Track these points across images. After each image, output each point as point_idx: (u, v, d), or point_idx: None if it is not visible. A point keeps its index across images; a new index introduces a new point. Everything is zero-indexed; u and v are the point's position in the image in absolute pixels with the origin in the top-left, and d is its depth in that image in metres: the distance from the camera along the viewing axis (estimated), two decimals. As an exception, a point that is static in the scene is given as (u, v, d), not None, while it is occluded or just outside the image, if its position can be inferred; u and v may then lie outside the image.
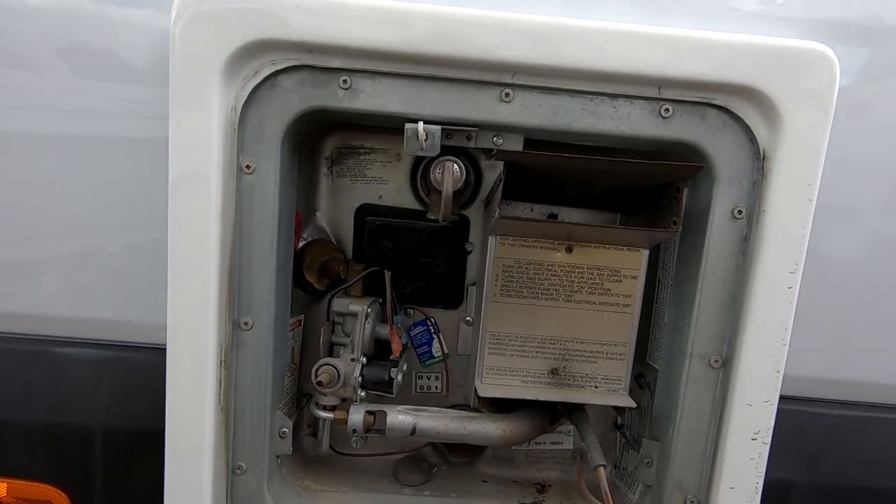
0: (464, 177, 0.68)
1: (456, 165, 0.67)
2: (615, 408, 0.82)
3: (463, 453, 0.87)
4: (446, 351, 0.85)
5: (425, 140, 0.62)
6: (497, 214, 0.62)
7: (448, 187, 0.66)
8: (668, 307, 0.74)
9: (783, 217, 0.62)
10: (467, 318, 0.84)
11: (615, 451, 0.86)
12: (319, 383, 0.71)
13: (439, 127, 0.62)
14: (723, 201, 0.64)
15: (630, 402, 0.72)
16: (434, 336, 0.85)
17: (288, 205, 0.68)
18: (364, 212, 0.81)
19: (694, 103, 0.62)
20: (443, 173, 0.66)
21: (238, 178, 0.64)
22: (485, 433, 0.72)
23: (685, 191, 0.65)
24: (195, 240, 0.63)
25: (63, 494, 0.74)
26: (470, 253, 0.82)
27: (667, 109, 0.62)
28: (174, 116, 0.61)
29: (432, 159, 0.70)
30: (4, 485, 0.74)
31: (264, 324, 0.67)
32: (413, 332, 0.85)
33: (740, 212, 0.64)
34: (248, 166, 0.64)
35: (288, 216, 0.69)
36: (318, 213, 0.81)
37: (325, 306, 0.79)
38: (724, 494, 0.67)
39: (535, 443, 0.88)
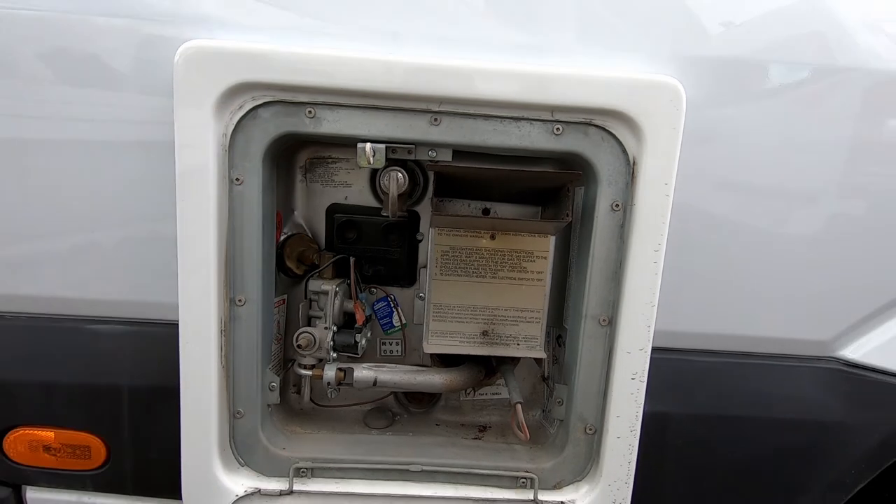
0: (406, 182, 0.87)
1: (399, 174, 0.86)
2: (538, 362, 1.02)
3: (420, 403, 1.07)
4: (404, 321, 1.04)
5: (373, 156, 0.80)
6: (433, 212, 0.82)
7: (393, 191, 0.85)
8: (572, 280, 0.94)
9: (648, 208, 0.82)
10: (420, 295, 1.03)
11: (543, 399, 1.07)
12: (299, 346, 0.90)
13: (384, 145, 0.81)
14: (604, 197, 0.84)
15: (541, 354, 0.92)
16: (394, 309, 1.04)
17: (270, 207, 0.87)
18: (333, 210, 1.00)
19: (578, 123, 0.81)
20: (389, 180, 0.85)
21: (230, 188, 0.82)
22: (431, 382, 0.92)
23: (576, 190, 0.84)
24: (199, 237, 0.82)
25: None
26: (420, 241, 1.02)
27: (558, 128, 0.81)
28: (179, 140, 0.79)
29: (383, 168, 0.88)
30: (52, 433, 0.93)
31: (254, 301, 0.86)
32: (376, 307, 1.04)
33: (617, 205, 0.84)
34: (237, 179, 0.82)
35: (270, 216, 0.88)
36: (295, 212, 1.00)
37: (304, 287, 0.99)
38: (613, 422, 0.88)
39: (479, 394, 1.09)
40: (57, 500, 0.97)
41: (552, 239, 0.91)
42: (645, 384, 0.87)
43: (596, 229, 0.85)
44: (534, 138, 0.82)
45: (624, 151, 0.82)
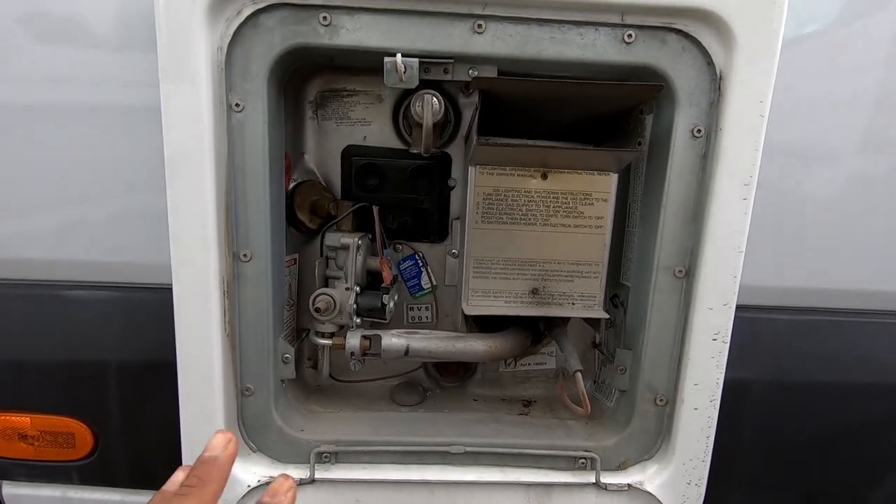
0: (443, 109, 0.72)
1: (434, 98, 0.71)
2: (592, 326, 0.88)
3: (454, 377, 0.94)
4: (434, 283, 0.90)
5: (404, 72, 0.65)
6: (475, 141, 0.67)
7: (428, 119, 0.70)
8: (637, 227, 0.79)
9: (738, 134, 0.68)
10: (453, 251, 0.89)
11: (594, 368, 0.93)
12: (317, 310, 0.76)
13: (417, 59, 0.66)
14: (683, 122, 0.69)
15: (603, 314, 0.78)
16: (422, 269, 0.90)
17: (277, 143, 0.72)
18: (350, 153, 0.85)
19: (655, 28, 0.66)
20: (422, 106, 0.70)
21: (228, 116, 0.67)
22: (472, 350, 0.78)
23: (649, 114, 0.70)
24: (191, 177, 0.67)
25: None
26: (453, 188, 0.87)
27: (629, 35, 0.66)
28: (162, 58, 0.64)
29: (411, 93, 0.73)
30: (27, 418, 0.79)
31: (262, 256, 0.71)
32: (402, 267, 0.90)
33: (699, 131, 0.69)
34: (237, 104, 0.67)
35: (278, 153, 0.73)
36: (305, 156, 0.85)
37: (318, 245, 0.84)
38: (689, 391, 0.75)
39: (521, 364, 0.95)
40: (39, 497, 0.84)
41: (614, 177, 0.77)
42: (727, 346, 0.74)
43: (672, 162, 0.70)
44: (599, 49, 0.67)
45: (710, 63, 0.67)
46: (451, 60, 0.68)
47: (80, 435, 0.80)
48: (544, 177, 0.76)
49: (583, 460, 0.79)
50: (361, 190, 0.85)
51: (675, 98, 0.69)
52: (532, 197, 0.77)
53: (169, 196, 0.67)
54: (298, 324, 0.88)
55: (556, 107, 0.71)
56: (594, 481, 0.78)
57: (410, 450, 0.78)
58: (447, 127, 0.84)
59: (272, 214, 0.71)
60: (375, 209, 0.81)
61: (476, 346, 0.78)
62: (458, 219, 0.88)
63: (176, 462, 0.73)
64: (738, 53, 0.66)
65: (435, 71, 0.69)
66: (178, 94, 0.65)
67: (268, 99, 0.68)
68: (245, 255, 0.71)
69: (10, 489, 0.83)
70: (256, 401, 0.76)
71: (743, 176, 0.69)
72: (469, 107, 0.84)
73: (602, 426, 0.83)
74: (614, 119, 0.76)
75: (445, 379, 0.94)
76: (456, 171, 0.86)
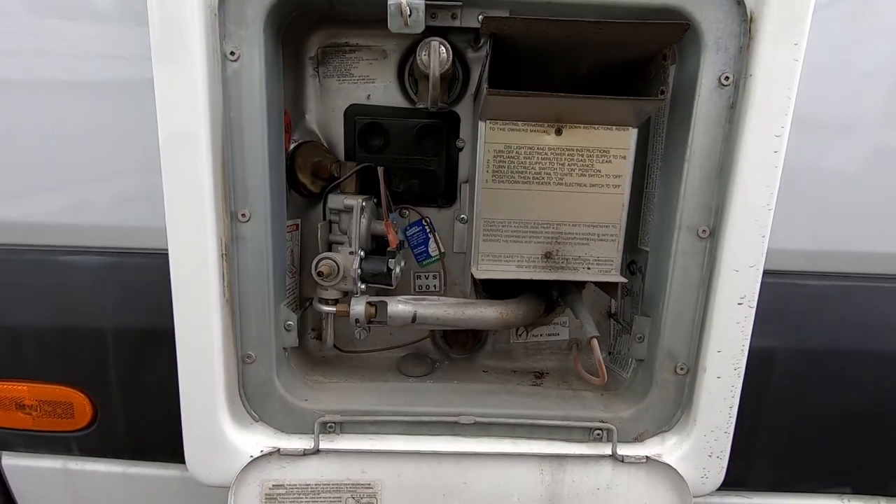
0: (450, 59, 0.68)
1: (442, 46, 0.67)
2: (608, 292, 0.84)
3: (463, 347, 0.91)
4: (442, 250, 0.87)
5: (409, 16, 0.61)
6: (485, 91, 0.62)
7: (435, 68, 0.65)
8: (658, 186, 0.75)
9: (770, 80, 0.63)
10: (461, 217, 0.85)
11: (609, 339, 0.90)
12: (320, 274, 0.73)
13: (422, 2, 0.61)
14: (710, 69, 0.64)
15: (621, 279, 0.74)
16: (430, 235, 0.86)
17: (276, 96, 0.68)
18: (353, 112, 0.81)
19: (680, -35, 0.61)
20: (429, 54, 0.66)
21: (223, 65, 0.63)
22: (483, 317, 0.75)
23: (672, 61, 0.65)
24: (184, 132, 0.63)
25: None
26: (461, 150, 0.83)
27: (652, -28, 0.61)
28: (152, 5, 0.60)
29: (419, 42, 0.69)
30: (25, 387, 0.77)
31: (262, 216, 0.68)
32: (409, 233, 0.86)
33: (727, 78, 0.64)
34: (232, 53, 0.63)
35: (277, 108, 0.69)
36: (306, 116, 0.81)
37: (321, 210, 0.80)
38: (712, 358, 0.71)
39: (533, 335, 0.92)
40: (39, 467, 0.82)
41: (633, 132, 0.72)
42: (754, 310, 0.69)
43: (697, 112, 0.66)
44: (619, -12, 0.62)
45: (739, 4, 0.62)
46: (460, 3, 0.63)
47: (79, 405, 0.78)
48: (559, 132, 0.71)
49: (598, 431, 0.75)
50: (365, 151, 0.81)
51: (702, 43, 0.64)
52: (546, 154, 0.72)
53: (162, 152, 0.64)
54: (301, 292, 0.85)
55: (571, 54, 0.66)
56: (610, 453, 0.74)
57: (418, 420, 0.75)
58: (455, 84, 0.80)
59: (271, 172, 0.68)
60: (380, 170, 0.77)
61: (487, 312, 0.75)
62: (466, 182, 0.84)
63: (178, 433, 0.71)
64: (771, -9, 0.61)
65: (442, 16, 0.64)
66: (170, 42, 0.61)
67: (265, 48, 0.64)
68: (243, 215, 0.67)
69: (10, 460, 0.82)
70: (258, 368, 0.73)
71: (774, 127, 0.64)
72: (478, 62, 0.80)
73: (618, 397, 0.79)
74: (634, 69, 0.71)
75: (454, 350, 0.91)
76: (465, 132, 0.82)
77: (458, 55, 0.79)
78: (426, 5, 0.62)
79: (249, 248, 0.68)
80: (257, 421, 0.74)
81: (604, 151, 0.72)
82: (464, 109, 0.81)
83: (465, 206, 0.84)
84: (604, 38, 0.61)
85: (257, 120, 0.65)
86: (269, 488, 0.70)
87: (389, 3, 0.61)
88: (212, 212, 0.65)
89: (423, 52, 0.67)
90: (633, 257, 0.82)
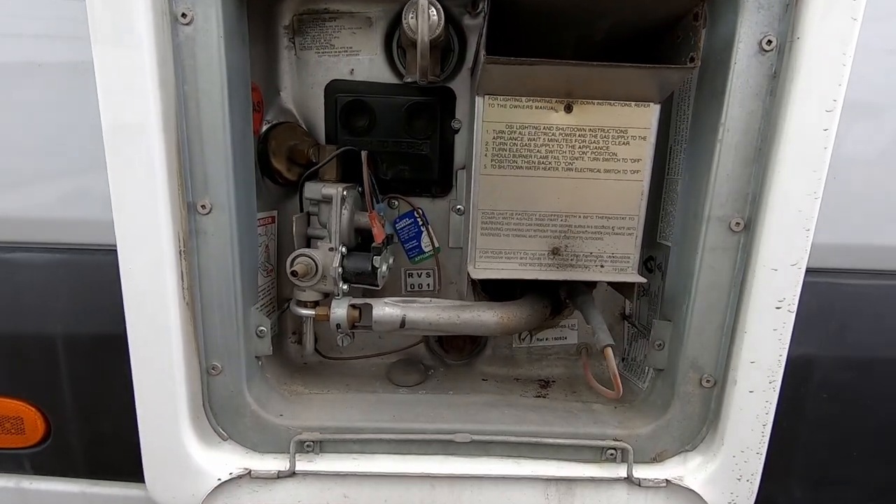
0: (442, 23, 0.58)
1: (432, 7, 0.57)
2: (623, 293, 0.75)
3: (460, 353, 0.82)
4: (437, 245, 0.78)
5: (392, -33, 0.51)
6: (482, 59, 0.53)
7: (424, 33, 0.56)
8: (683, 172, 0.65)
9: (822, 43, 0.53)
10: (458, 207, 0.76)
11: (623, 343, 0.81)
12: (294, 273, 0.64)
13: (408, -49, 0.52)
14: (749, 31, 0.54)
15: (639, 278, 0.65)
16: (423, 229, 0.77)
17: (239, 65, 0.58)
18: (334, 88, 0.71)
19: None
20: (416, 17, 0.56)
21: (174, 29, 0.54)
22: (480, 321, 0.66)
23: (704, 20, 0.55)
24: (131, 108, 0.54)
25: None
26: (457, 132, 0.73)
27: (683, -86, 0.51)
28: (88, -47, 0.51)
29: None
30: None
31: (225, 207, 0.59)
32: (399, 226, 0.77)
33: (769, 42, 0.54)
34: (183, 15, 0.53)
35: (240, 79, 0.59)
36: (281, 93, 0.72)
37: (299, 197, 0.71)
38: (744, 370, 0.62)
39: (538, 339, 0.83)
40: (-11, 486, 0.75)
41: (655, 110, 0.62)
42: (794, 315, 0.60)
43: (732, 84, 0.56)
44: (643, -67, 0.52)
45: (787, -50, 0.52)
46: (452, -46, 0.53)
47: (30, 419, 0.70)
48: (569, 109, 0.62)
49: (612, 451, 0.66)
50: (348, 132, 0.72)
51: (739, 2, 0.54)
52: (554, 135, 0.62)
53: (104, 134, 0.55)
54: (280, 292, 0.76)
55: (583, 15, 0.56)
56: (625, 476, 0.66)
57: (408, 438, 0.66)
58: (449, 56, 0.70)
59: (236, 157, 0.59)
60: (364, 154, 0.67)
61: (485, 316, 0.66)
62: (463, 168, 0.74)
63: (137, 449, 0.63)
64: (826, -65, 0.50)
65: (432, -29, 0.54)
66: (111, 5, 0.52)
67: (223, 8, 0.54)
68: (203, 207, 0.58)
69: (-42, 479, 0.74)
70: (225, 380, 0.64)
71: (825, 101, 0.54)
72: (475, 31, 0.70)
73: (634, 411, 0.71)
74: (658, 33, 0.61)
75: (450, 355, 0.82)
76: (461, 111, 0.73)
77: (452, 23, 0.69)
78: (412, -44, 0.52)
79: (211, 244, 0.59)
80: (226, 440, 0.66)
81: (621, 131, 0.62)
82: (460, 85, 0.72)
83: (462, 196, 0.75)
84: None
85: (216, 94, 0.56)
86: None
87: (368, -48, 0.51)
88: (166, 203, 0.56)
89: (411, 15, 0.57)
90: (651, 253, 0.73)
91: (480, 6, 0.68)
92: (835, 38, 0.53)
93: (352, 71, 0.71)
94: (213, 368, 0.63)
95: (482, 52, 0.53)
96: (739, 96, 0.56)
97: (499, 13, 0.54)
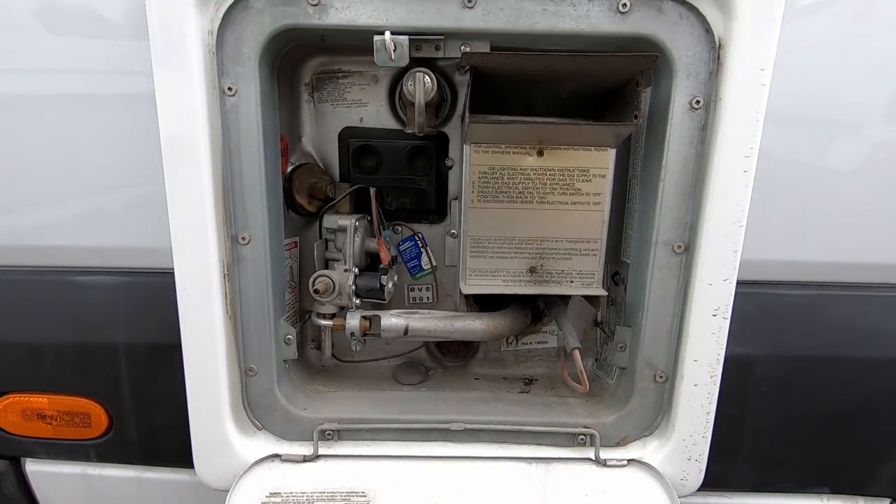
0: (435, 87, 0.71)
1: (427, 76, 0.70)
2: (592, 304, 0.88)
3: (456, 356, 0.95)
4: (434, 263, 0.91)
5: (394, 50, 0.65)
6: (467, 119, 0.66)
7: (420, 98, 0.69)
8: (637, 202, 0.78)
9: (738, 104, 0.66)
10: (452, 231, 0.89)
11: (596, 346, 0.93)
12: (316, 291, 0.77)
13: (406, 37, 0.65)
14: (682, 93, 0.68)
15: (602, 292, 0.78)
16: (422, 250, 0.90)
17: (272, 125, 0.72)
18: (347, 134, 0.85)
19: (650, -4, 0.64)
20: (414, 84, 0.70)
21: (221, 100, 0.67)
22: (471, 329, 0.79)
23: (647, 87, 0.68)
24: (188, 163, 0.67)
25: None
26: (450, 168, 0.87)
27: (624, 4, 0.64)
28: (154, 45, 0.64)
29: (406, 73, 0.73)
30: (45, 399, 0.82)
31: (260, 238, 0.72)
32: (402, 248, 0.90)
33: (698, 102, 0.68)
34: (229, 88, 0.67)
35: (273, 136, 0.73)
36: (303, 139, 0.85)
37: (318, 226, 0.85)
38: (689, 367, 0.74)
39: (523, 343, 0.96)
40: (59, 473, 0.88)
41: (612, 153, 0.75)
42: (728, 321, 0.73)
43: (670, 134, 0.69)
44: (593, 19, 0.65)
45: (708, 32, 0.65)
46: (442, 37, 0.67)
47: (96, 415, 0.83)
48: (540, 154, 0.75)
49: (582, 436, 0.79)
50: (359, 171, 0.85)
51: (673, 68, 0.67)
52: (528, 174, 0.76)
53: (167, 182, 0.68)
54: (301, 305, 0.89)
55: (551, 82, 0.70)
56: (594, 457, 0.78)
57: (412, 427, 0.79)
58: (443, 106, 0.83)
59: (269, 197, 0.72)
60: (372, 190, 0.81)
61: (475, 325, 0.79)
62: (456, 199, 0.88)
63: (187, 440, 0.76)
64: (737, 21, 0.64)
65: (426, 48, 0.68)
66: (172, 80, 0.66)
67: (260, 81, 0.68)
68: (243, 239, 0.72)
69: (33, 466, 0.87)
70: (260, 380, 0.77)
71: (743, 148, 0.67)
72: (465, 85, 0.83)
73: (603, 403, 0.83)
74: (612, 93, 0.74)
75: (447, 358, 0.95)
76: (454, 151, 0.86)
77: (445, 78, 0.83)
78: (410, 39, 0.66)
79: (249, 269, 0.73)
80: (260, 429, 0.79)
81: (584, 171, 0.76)
82: (452, 129, 0.85)
83: (455, 222, 0.88)
84: (579, 69, 0.64)
85: (254, 149, 0.69)
86: (266, 496, 0.74)
87: (375, 39, 0.65)
88: (214, 236, 0.70)
89: (409, 82, 0.70)
90: (617, 268, 0.86)
91: (463, 65, 0.82)
92: (748, 100, 0.66)
93: (361, 119, 0.85)
94: (250, 370, 0.77)
95: (467, 113, 0.67)
96: (676, 144, 0.69)
97: (480, 78, 0.68)
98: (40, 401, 0.82)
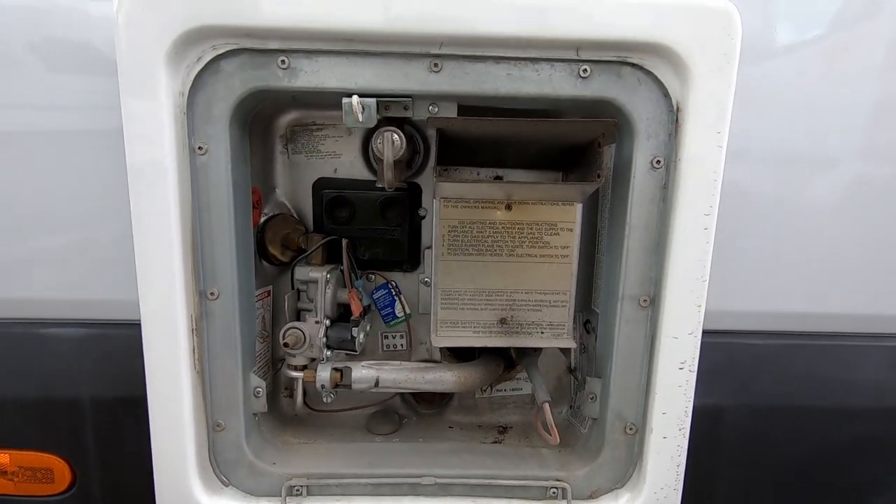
0: (404, 146, 0.73)
1: (395, 135, 0.72)
2: (565, 352, 0.89)
3: (430, 404, 0.94)
4: (408, 311, 0.91)
5: (361, 112, 0.66)
6: (434, 178, 0.68)
7: (388, 156, 0.70)
8: (605, 254, 0.80)
9: (696, 163, 0.68)
10: (425, 280, 0.90)
11: (570, 393, 0.93)
12: (286, 345, 0.77)
13: (374, 100, 0.67)
14: (642, 153, 0.70)
15: (571, 343, 0.78)
16: (396, 298, 0.91)
17: (242, 181, 0.73)
18: (321, 185, 0.86)
19: (610, 62, 0.67)
20: (383, 143, 0.71)
21: (192, 159, 0.68)
22: (441, 380, 0.79)
23: (611, 143, 0.70)
24: (157, 220, 0.68)
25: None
26: (423, 218, 0.88)
27: (585, 70, 0.67)
28: (125, 104, 0.65)
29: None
30: (6, 456, 0.80)
31: (229, 293, 0.72)
32: (376, 296, 0.91)
33: (659, 161, 0.70)
34: (200, 147, 0.68)
35: (243, 192, 0.74)
36: (277, 189, 0.86)
37: (290, 276, 0.85)
38: (658, 420, 0.75)
39: (497, 390, 0.96)
40: (20, 530, 0.85)
41: (579, 207, 0.77)
42: (695, 374, 0.74)
43: (633, 192, 0.71)
44: (556, 84, 0.67)
45: (666, 95, 0.68)
46: (410, 98, 0.69)
47: (59, 470, 0.81)
48: (509, 208, 0.77)
49: (554, 490, 0.79)
50: (333, 222, 0.86)
51: (634, 130, 0.69)
52: (497, 228, 0.77)
53: (135, 238, 0.68)
54: (274, 354, 0.89)
55: (516, 141, 0.72)
56: (566, 511, 0.78)
57: (382, 482, 0.78)
58: (416, 158, 0.85)
59: (239, 252, 0.72)
60: (344, 243, 0.82)
61: (445, 377, 0.79)
62: (429, 248, 0.89)
63: (153, 496, 0.75)
64: (693, 86, 0.66)
65: (395, 108, 0.70)
66: (142, 139, 0.66)
67: (230, 140, 0.69)
68: (212, 294, 0.72)
69: (-7, 524, 0.85)
70: (227, 435, 0.76)
71: (703, 206, 0.69)
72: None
73: (575, 454, 0.83)
74: (578, 148, 0.76)
75: (422, 406, 0.95)
76: (427, 201, 0.87)
77: (418, 130, 0.84)
78: (378, 101, 0.68)
79: (218, 324, 0.73)
80: (227, 486, 0.77)
81: (552, 225, 0.77)
82: (425, 180, 0.87)
83: (429, 271, 0.89)
84: (542, 132, 0.66)
85: (224, 206, 0.70)
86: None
87: (343, 101, 0.67)
88: (182, 292, 0.70)
89: (378, 141, 0.72)
90: (589, 317, 0.87)
91: (429, 128, 0.83)
92: (706, 161, 0.68)
93: (335, 170, 0.86)
94: (217, 426, 0.76)
95: (434, 175, 0.68)
96: (639, 201, 0.71)
97: (449, 135, 0.69)
98: (1, 458, 0.80)
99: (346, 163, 0.86)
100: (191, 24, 0.64)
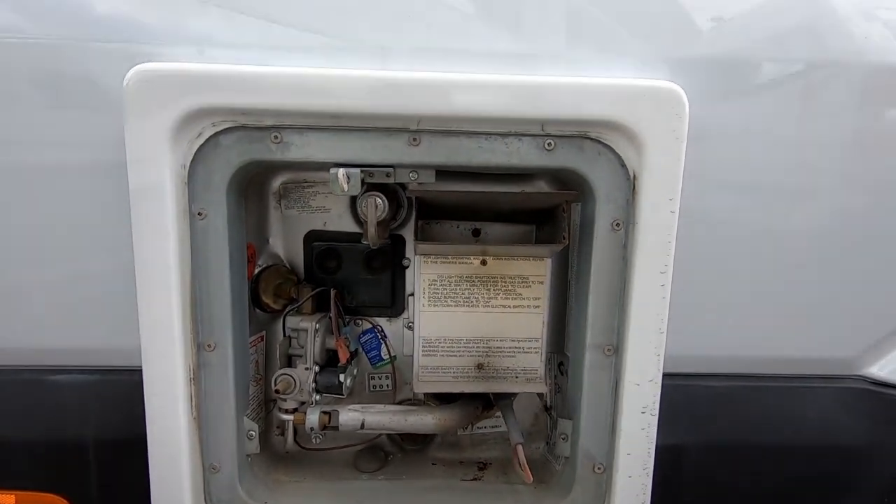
0: (386, 208, 0.79)
1: (378, 199, 0.78)
2: (539, 395, 0.94)
3: (414, 441, 1.00)
4: (393, 353, 0.97)
5: (347, 182, 0.73)
6: (415, 244, 0.74)
7: (372, 218, 0.77)
8: (574, 304, 0.86)
9: (652, 226, 0.75)
10: (410, 324, 0.96)
11: (547, 430, 0.99)
12: (277, 391, 0.83)
13: (358, 170, 0.74)
14: (603, 216, 0.76)
15: (542, 389, 0.84)
16: (381, 341, 0.97)
17: (238, 241, 0.79)
18: (311, 237, 0.92)
19: (572, 136, 0.74)
20: (367, 207, 0.78)
21: (192, 222, 0.75)
22: (423, 423, 0.84)
23: (573, 206, 0.77)
24: (159, 279, 0.74)
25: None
26: (407, 267, 0.94)
27: (549, 143, 0.74)
28: (132, 173, 0.72)
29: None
30: (12, 497, 0.85)
31: (226, 345, 0.78)
32: (363, 339, 0.97)
33: (618, 224, 0.76)
34: (199, 213, 0.75)
35: (240, 251, 0.80)
36: (270, 241, 0.93)
37: (282, 324, 0.91)
38: (623, 460, 0.80)
39: (478, 427, 1.01)
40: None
41: (548, 262, 0.84)
42: (657, 418, 0.80)
43: (595, 251, 0.77)
44: (523, 155, 0.75)
45: (623, 165, 0.75)
46: (392, 168, 0.76)
47: (61, 510, 0.86)
48: (484, 263, 0.83)
49: (528, 526, 0.84)
50: (322, 272, 0.92)
51: (595, 195, 0.76)
52: (474, 281, 0.84)
53: (139, 294, 0.74)
54: (266, 395, 0.94)
55: (488, 203, 0.79)
56: (539, 547, 0.83)
57: (367, 520, 0.83)
58: (399, 213, 0.92)
59: (234, 306, 0.79)
60: (332, 294, 0.88)
61: (426, 419, 0.84)
62: (412, 294, 0.95)
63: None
64: (647, 157, 0.73)
65: (378, 175, 0.76)
66: (147, 207, 0.73)
67: (228, 205, 0.75)
68: (209, 346, 0.78)
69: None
70: (222, 477, 0.81)
71: (659, 265, 0.76)
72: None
73: (549, 492, 0.88)
74: (544, 209, 0.83)
75: (407, 443, 1.00)
76: (410, 251, 0.94)
77: (402, 185, 0.91)
78: (362, 170, 0.74)
79: (215, 374, 0.79)
80: (221, 525, 0.82)
81: (524, 278, 0.84)
82: (409, 232, 0.93)
83: (413, 315, 0.95)
84: (510, 200, 0.73)
85: (222, 265, 0.76)
86: None
87: (330, 171, 0.73)
88: (181, 344, 0.76)
89: (363, 204, 0.79)
90: (562, 359, 0.93)
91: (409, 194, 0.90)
92: (661, 224, 0.75)
93: (325, 224, 0.93)
94: (212, 468, 0.81)
95: (415, 241, 0.75)
96: (601, 258, 0.78)
97: (426, 202, 0.76)
98: (7, 499, 0.85)
99: (334, 216, 0.92)
100: (193, 103, 0.71)
